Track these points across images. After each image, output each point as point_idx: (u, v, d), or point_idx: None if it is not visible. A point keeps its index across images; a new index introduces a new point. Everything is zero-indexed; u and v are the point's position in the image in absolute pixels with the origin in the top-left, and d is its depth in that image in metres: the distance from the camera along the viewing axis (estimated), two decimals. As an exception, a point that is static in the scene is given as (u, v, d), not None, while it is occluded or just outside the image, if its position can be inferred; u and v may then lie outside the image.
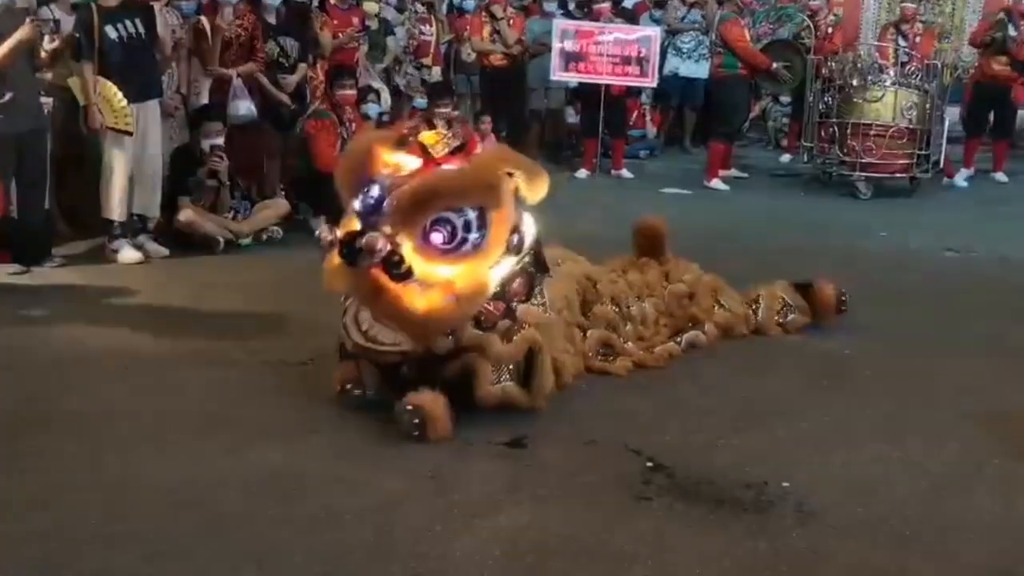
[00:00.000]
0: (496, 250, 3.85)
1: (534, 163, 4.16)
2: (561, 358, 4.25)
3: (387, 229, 3.74)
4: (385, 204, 3.78)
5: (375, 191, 3.83)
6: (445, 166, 3.89)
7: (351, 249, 3.73)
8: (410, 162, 3.91)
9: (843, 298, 5.24)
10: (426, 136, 3.89)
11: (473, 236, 3.80)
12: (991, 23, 10.32)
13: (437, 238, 3.77)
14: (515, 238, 3.89)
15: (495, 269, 3.88)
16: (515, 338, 3.93)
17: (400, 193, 3.78)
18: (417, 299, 3.75)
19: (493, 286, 3.87)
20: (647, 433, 3.89)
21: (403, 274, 3.72)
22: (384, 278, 3.74)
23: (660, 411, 4.13)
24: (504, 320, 3.95)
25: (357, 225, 3.82)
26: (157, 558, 2.92)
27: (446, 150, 3.90)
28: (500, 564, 2.91)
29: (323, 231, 3.88)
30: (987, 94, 10.32)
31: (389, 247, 3.69)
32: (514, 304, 4.00)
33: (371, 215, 3.79)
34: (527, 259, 4.04)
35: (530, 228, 4.02)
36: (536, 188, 3.99)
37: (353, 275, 3.82)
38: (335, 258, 3.84)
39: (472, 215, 3.79)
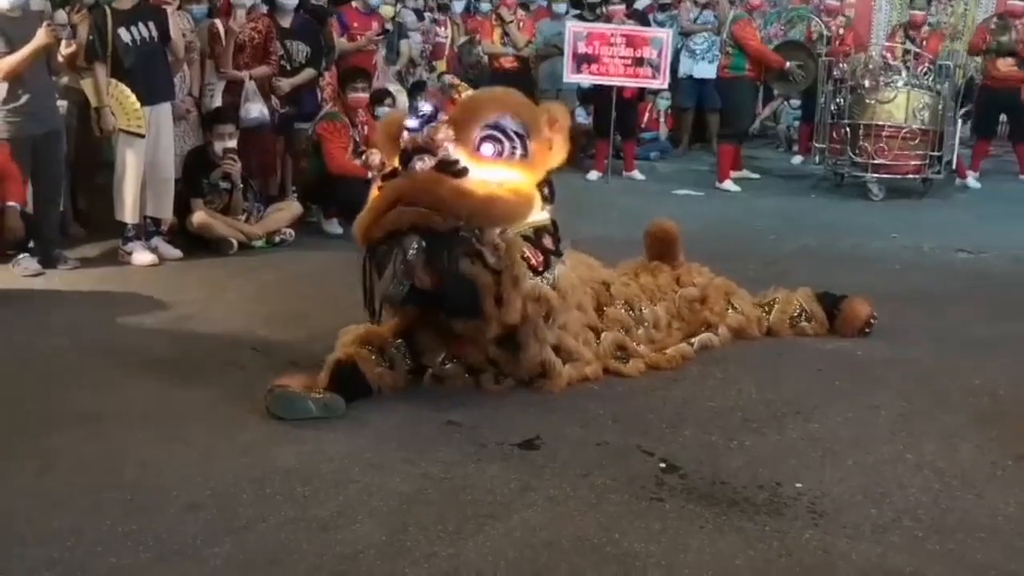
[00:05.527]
0: (540, 168, 4.16)
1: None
2: (577, 345, 4.37)
3: (441, 134, 3.96)
4: (437, 118, 4.01)
5: (426, 107, 4.06)
6: None
7: (407, 157, 3.96)
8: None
9: (872, 320, 5.12)
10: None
11: (519, 152, 4.12)
12: (989, 29, 10.30)
13: (488, 149, 4.05)
14: (546, 189, 4.21)
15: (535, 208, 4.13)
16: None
17: (450, 108, 4.11)
18: (477, 186, 3.95)
19: (536, 211, 4.11)
20: (660, 434, 3.89)
21: (459, 171, 3.93)
22: (441, 175, 3.92)
23: (673, 413, 4.13)
24: (544, 274, 4.14)
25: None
26: (171, 559, 2.93)
27: None
28: (513, 565, 2.92)
29: (372, 156, 4.21)
30: (996, 97, 10.21)
31: (445, 148, 3.93)
32: (552, 260, 4.20)
33: (425, 124, 3.99)
34: (550, 223, 4.26)
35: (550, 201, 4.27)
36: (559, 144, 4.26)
37: (408, 175, 3.97)
38: (376, 189, 4.06)
39: (516, 140, 4.09)
